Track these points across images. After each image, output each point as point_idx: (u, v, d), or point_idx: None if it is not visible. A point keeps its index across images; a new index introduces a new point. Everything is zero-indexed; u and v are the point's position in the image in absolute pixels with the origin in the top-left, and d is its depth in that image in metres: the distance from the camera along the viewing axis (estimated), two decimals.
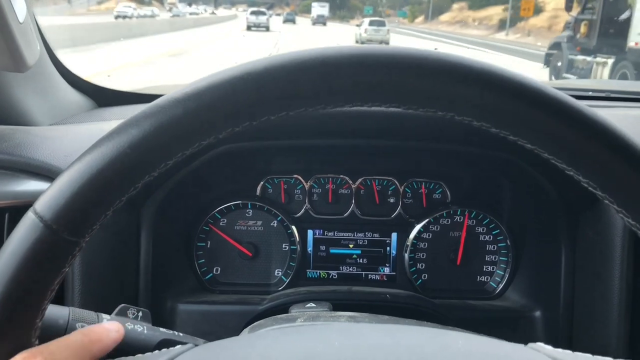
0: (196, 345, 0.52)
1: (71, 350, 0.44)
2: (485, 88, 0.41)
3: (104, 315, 0.62)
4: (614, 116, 1.24)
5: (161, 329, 0.65)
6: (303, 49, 0.43)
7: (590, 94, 1.53)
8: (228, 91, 0.41)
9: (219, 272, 1.10)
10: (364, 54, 0.41)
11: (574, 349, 0.50)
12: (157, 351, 0.53)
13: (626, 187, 0.41)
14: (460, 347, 0.47)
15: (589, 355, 0.48)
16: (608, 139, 0.41)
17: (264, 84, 0.41)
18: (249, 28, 30.41)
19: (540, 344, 0.49)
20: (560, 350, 0.48)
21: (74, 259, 0.42)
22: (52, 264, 0.41)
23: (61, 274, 0.42)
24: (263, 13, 32.08)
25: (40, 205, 0.41)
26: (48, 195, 0.41)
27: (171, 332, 0.66)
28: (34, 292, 0.41)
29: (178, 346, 0.52)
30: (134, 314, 0.65)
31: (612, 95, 1.50)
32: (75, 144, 0.97)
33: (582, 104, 0.41)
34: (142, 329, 0.63)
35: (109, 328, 0.51)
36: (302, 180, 1.12)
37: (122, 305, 0.65)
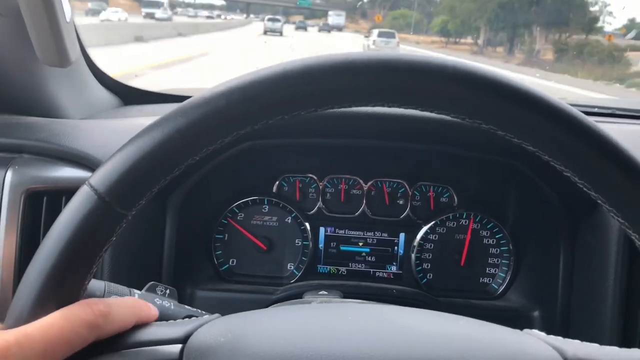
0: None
1: (126, 308, 0.49)
2: (518, 104, 0.45)
3: (136, 291, 0.68)
4: (620, 132, 1.29)
5: (186, 306, 0.71)
6: (334, 53, 0.48)
7: (596, 110, 1.58)
8: (267, 87, 0.46)
9: (235, 263, 1.16)
10: (388, 59, 0.47)
11: None
12: (187, 319, 0.59)
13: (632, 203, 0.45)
14: (460, 326, 0.52)
15: (577, 341, 0.51)
16: (623, 163, 0.44)
17: (299, 82, 0.46)
18: (265, 32, 31.78)
19: (535, 331, 0.54)
20: (552, 336, 0.53)
21: (121, 230, 0.47)
22: (103, 234, 0.46)
23: (109, 243, 0.47)
24: (278, 20, 34.34)
25: (94, 179, 0.46)
26: (102, 171, 0.46)
27: (195, 309, 0.72)
28: (85, 258, 0.46)
29: (206, 315, 0.58)
30: (162, 291, 0.71)
31: (617, 112, 1.55)
32: (107, 136, 1.04)
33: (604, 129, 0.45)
34: (169, 304, 0.69)
35: (153, 308, 0.55)
36: (317, 180, 1.18)
37: (152, 282, 0.71)
